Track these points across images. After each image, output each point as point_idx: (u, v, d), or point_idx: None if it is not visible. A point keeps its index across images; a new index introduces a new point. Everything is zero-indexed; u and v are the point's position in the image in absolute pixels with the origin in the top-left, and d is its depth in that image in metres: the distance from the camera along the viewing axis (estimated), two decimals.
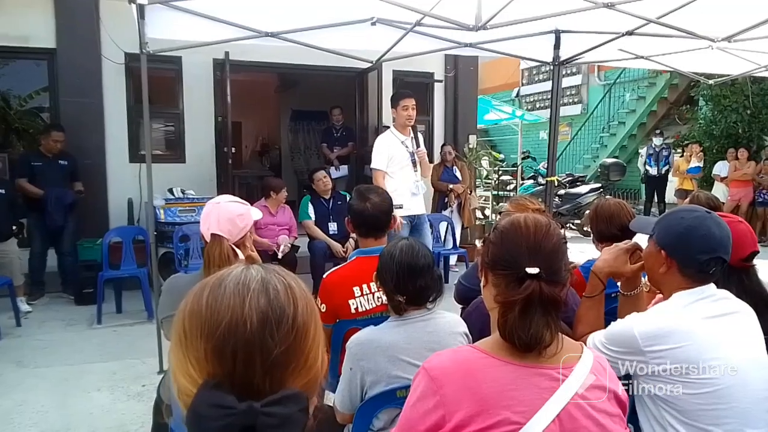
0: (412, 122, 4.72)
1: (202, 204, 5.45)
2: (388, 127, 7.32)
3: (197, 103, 7.05)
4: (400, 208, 4.69)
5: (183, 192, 6.26)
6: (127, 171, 6.59)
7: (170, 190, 6.23)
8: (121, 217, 6.53)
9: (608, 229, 2.52)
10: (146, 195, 4.32)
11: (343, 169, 8.13)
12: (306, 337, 0.75)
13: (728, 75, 5.86)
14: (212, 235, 2.04)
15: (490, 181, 10.99)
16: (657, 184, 11.17)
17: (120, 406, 3.56)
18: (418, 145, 4.73)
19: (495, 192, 11.51)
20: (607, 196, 9.46)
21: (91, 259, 5.76)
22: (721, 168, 10.28)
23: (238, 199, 2.18)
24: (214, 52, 6.29)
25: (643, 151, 11.95)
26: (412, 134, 4.76)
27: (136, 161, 6.44)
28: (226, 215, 2.07)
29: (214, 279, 0.77)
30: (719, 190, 9.80)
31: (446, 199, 7.35)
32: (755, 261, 2.15)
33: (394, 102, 4.75)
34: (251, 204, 2.33)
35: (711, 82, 6.43)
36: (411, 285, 1.88)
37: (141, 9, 3.51)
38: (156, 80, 6.08)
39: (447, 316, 1.97)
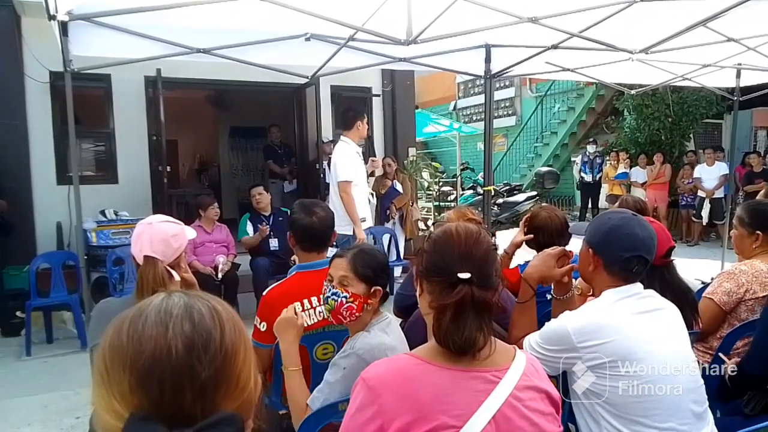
0: None
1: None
2: (333, 141, 7.40)
3: (129, 122, 6.84)
4: (364, 221, 4.72)
5: (116, 214, 6.04)
6: (55, 194, 6.29)
7: (102, 212, 6.00)
8: (50, 242, 6.22)
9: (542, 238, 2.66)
10: (75, 218, 4.14)
11: (295, 183, 8.26)
12: (235, 359, 0.73)
13: (648, 85, 6.21)
14: (145, 257, 1.98)
15: (431, 192, 11.16)
16: (591, 190, 11.64)
17: None
18: (374, 154, 4.86)
19: (437, 203, 11.72)
20: (544, 204, 9.78)
21: (18, 287, 5.45)
22: (636, 174, 10.81)
23: (170, 218, 2.11)
24: (145, 69, 6.11)
25: (577, 159, 12.42)
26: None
27: (65, 183, 6.17)
28: (160, 236, 2.00)
29: (134, 310, 0.74)
30: (638, 195, 10.30)
31: (388, 212, 7.41)
32: (675, 258, 2.29)
33: (362, 115, 4.80)
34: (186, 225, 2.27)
35: (633, 92, 6.79)
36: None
37: (64, 26, 3.39)
38: (84, 99, 5.87)
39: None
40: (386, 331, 1.90)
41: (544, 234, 2.67)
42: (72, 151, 3.90)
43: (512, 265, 2.89)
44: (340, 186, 4.58)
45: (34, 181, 6.35)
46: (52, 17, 3.23)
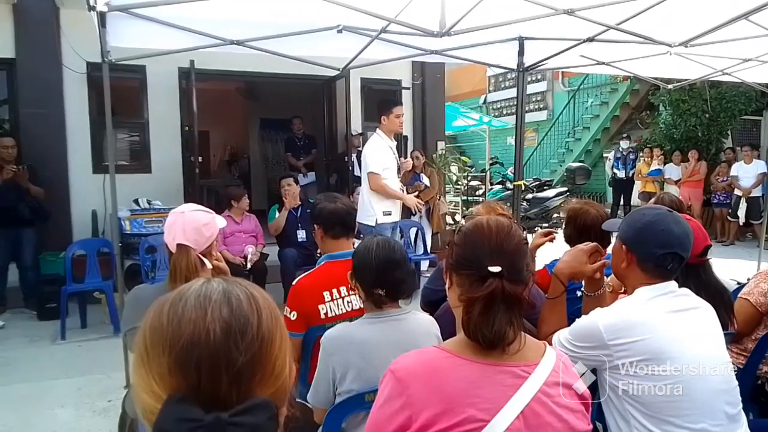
0: (402, 129, 5.00)
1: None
2: (362, 134, 7.42)
3: (163, 113, 6.96)
4: (390, 215, 4.73)
5: (149, 203, 6.15)
6: (90, 182, 6.45)
7: (136, 201, 6.12)
8: (85, 230, 6.38)
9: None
10: (110, 206, 4.23)
11: (311, 176, 8.28)
12: (271, 345, 0.74)
13: (686, 80, 6.03)
14: (178, 245, 2.01)
15: (459, 186, 11.09)
16: (624, 187, 11.42)
17: (85, 422, 3.46)
18: (405, 156, 4.87)
19: (464, 197, 11.65)
20: (573, 200, 9.63)
21: (54, 272, 5.61)
22: (670, 171, 10.58)
23: (202, 207, 2.15)
24: (179, 61, 6.19)
25: (610, 154, 12.19)
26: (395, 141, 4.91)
27: (100, 172, 6.31)
28: (192, 224, 2.04)
29: (175, 294, 0.76)
30: (672, 193, 10.03)
31: None
32: (710, 257, 2.23)
33: (387, 109, 4.75)
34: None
35: (670, 86, 6.62)
36: (390, 277, 1.91)
37: (102, 17, 3.45)
38: (120, 89, 5.99)
39: (421, 317, 2.00)
40: (365, 326, 1.92)
41: (595, 232, 2.54)
42: (108, 140, 3.98)
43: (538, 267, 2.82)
44: (369, 177, 4.62)
45: (70, 169, 6.52)
46: (91, 8, 3.29)
